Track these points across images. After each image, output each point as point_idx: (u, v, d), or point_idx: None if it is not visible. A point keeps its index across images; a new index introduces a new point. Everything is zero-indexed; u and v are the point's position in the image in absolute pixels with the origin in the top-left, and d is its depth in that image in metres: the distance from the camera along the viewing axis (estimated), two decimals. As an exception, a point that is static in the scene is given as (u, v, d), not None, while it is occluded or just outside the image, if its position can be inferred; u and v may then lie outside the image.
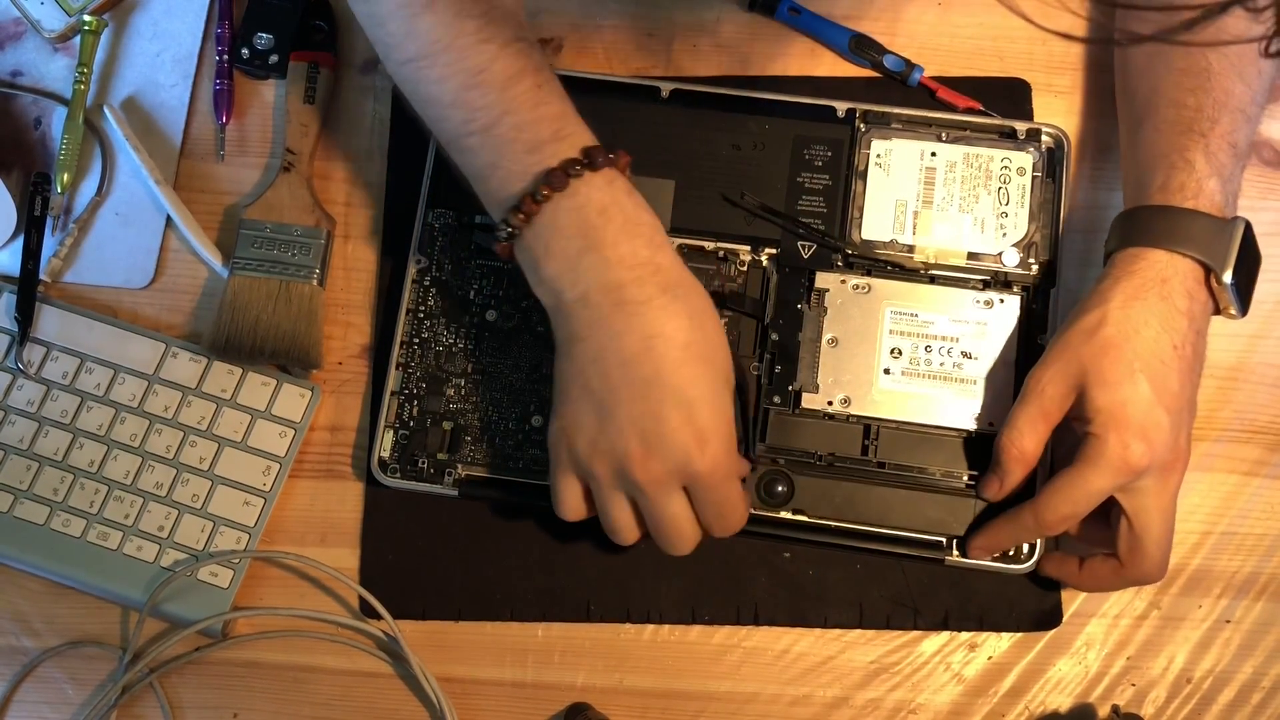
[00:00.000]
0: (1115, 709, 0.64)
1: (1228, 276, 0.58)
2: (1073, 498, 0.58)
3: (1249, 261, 0.59)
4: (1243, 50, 0.60)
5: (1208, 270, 0.58)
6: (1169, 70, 0.62)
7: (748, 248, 0.67)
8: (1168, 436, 0.57)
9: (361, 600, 0.66)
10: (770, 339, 0.65)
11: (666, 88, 0.68)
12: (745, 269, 0.67)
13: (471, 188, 0.58)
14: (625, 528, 0.58)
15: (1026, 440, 0.59)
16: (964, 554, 0.63)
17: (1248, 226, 0.59)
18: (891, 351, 0.65)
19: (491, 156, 0.56)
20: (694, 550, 0.58)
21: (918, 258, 0.66)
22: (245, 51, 0.71)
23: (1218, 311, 0.60)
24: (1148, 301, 0.57)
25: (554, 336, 0.57)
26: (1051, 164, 0.67)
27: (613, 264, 0.55)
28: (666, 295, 0.55)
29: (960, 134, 0.67)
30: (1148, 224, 0.59)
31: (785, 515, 0.64)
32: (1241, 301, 0.59)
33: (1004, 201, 0.66)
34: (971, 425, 0.64)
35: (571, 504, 0.58)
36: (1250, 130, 0.61)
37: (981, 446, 0.64)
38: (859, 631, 0.65)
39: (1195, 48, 0.61)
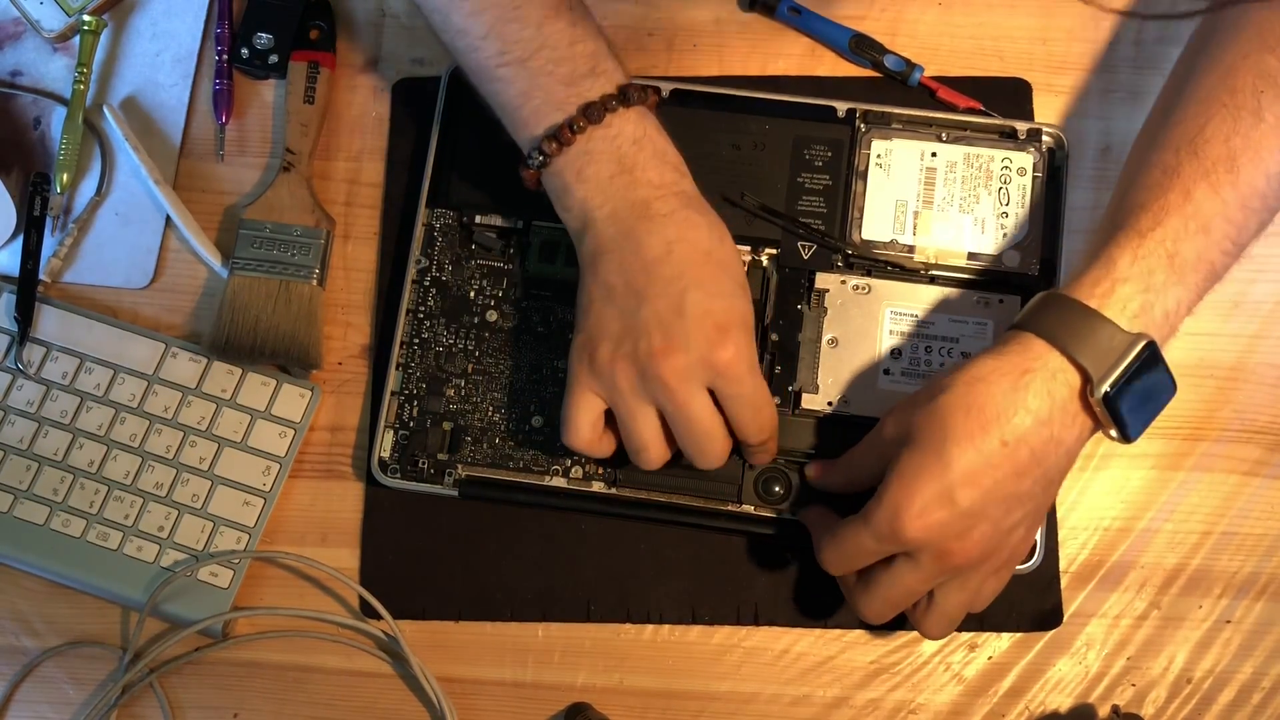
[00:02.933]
0: (1115, 709, 0.64)
1: (1103, 389, 0.52)
2: (843, 548, 0.56)
3: (1145, 386, 0.53)
4: (1231, 160, 0.54)
5: (1086, 378, 0.52)
6: (1142, 160, 0.57)
7: (748, 248, 0.67)
8: (952, 524, 0.53)
9: (361, 600, 0.66)
10: (770, 339, 0.65)
11: (666, 88, 0.68)
12: (745, 269, 0.66)
13: (496, 115, 0.60)
14: (652, 440, 0.57)
15: (833, 476, 0.62)
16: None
17: (1152, 351, 0.53)
18: (891, 351, 0.65)
19: (525, 87, 0.58)
20: (720, 462, 0.58)
21: (918, 258, 0.66)
22: (245, 51, 0.71)
23: (1096, 429, 0.54)
24: (996, 386, 0.53)
25: (580, 261, 0.59)
26: (1051, 164, 0.67)
27: (641, 185, 0.57)
28: (689, 209, 0.58)
29: (960, 134, 0.67)
30: (1041, 309, 0.54)
31: (785, 515, 0.64)
32: (1122, 425, 0.53)
33: (1004, 202, 0.66)
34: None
35: (583, 425, 0.58)
36: (1207, 248, 0.54)
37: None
38: (859, 631, 0.65)
39: (1171, 148, 0.55)
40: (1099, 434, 0.55)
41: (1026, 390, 0.53)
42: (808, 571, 0.65)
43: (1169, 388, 0.55)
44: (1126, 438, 0.54)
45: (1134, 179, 0.57)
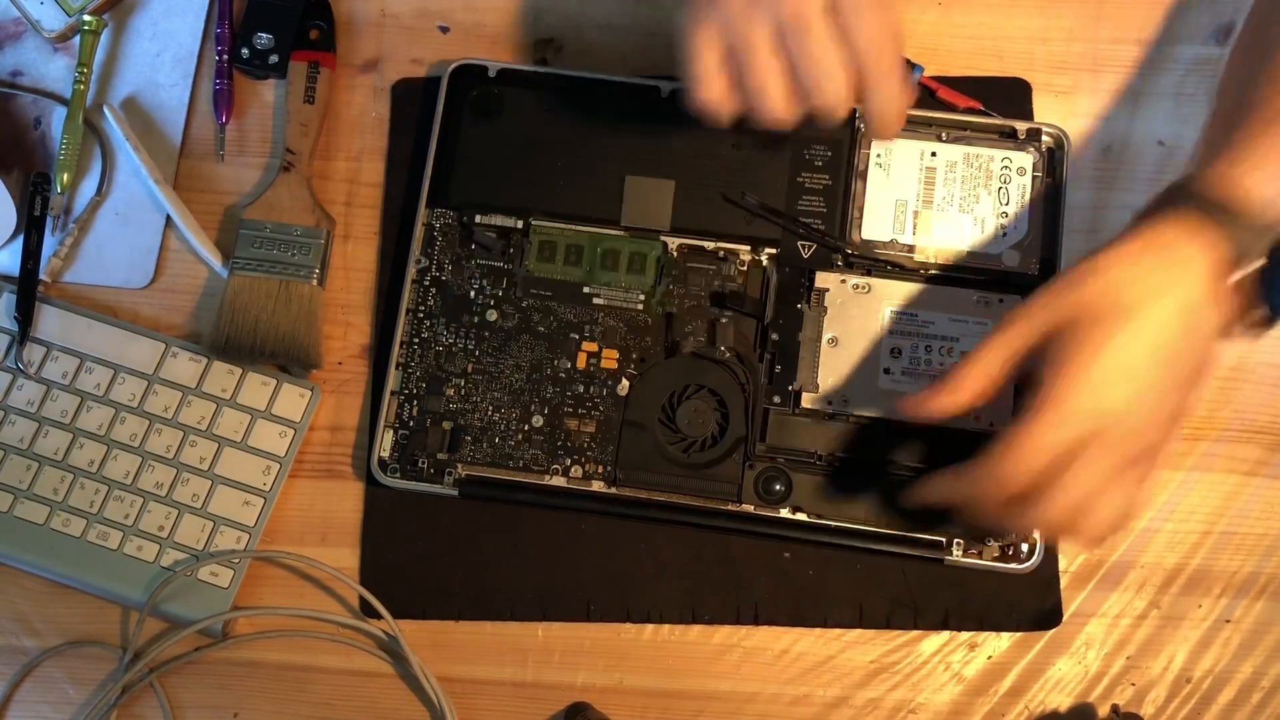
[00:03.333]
0: (1115, 709, 0.64)
1: (1257, 264, 0.53)
2: (1019, 451, 0.53)
3: None
4: None
5: (1234, 256, 0.53)
6: (1246, 69, 0.58)
7: (748, 248, 0.67)
8: (1130, 401, 0.51)
9: (362, 600, 0.66)
10: (770, 339, 0.65)
11: (666, 88, 0.68)
12: (745, 269, 0.67)
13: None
14: (772, 76, 0.54)
15: (982, 362, 0.55)
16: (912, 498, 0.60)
17: None
18: (891, 351, 0.65)
19: None
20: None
21: (918, 258, 0.66)
22: (245, 51, 0.71)
23: (1243, 313, 0.54)
24: (1146, 265, 0.52)
25: None
26: (1051, 164, 0.67)
27: None
28: None
29: (960, 134, 0.67)
30: (1178, 194, 0.54)
31: (785, 515, 0.64)
32: (1274, 300, 0.54)
33: (1004, 201, 0.66)
34: (971, 425, 0.64)
35: (711, 67, 0.55)
36: None
37: (981, 446, 0.64)
38: (859, 631, 0.65)
39: None
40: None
41: (1178, 266, 0.52)
42: (808, 571, 0.65)
43: None
44: (1274, 315, 0.54)
45: (1243, 81, 0.57)
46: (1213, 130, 0.57)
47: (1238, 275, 0.53)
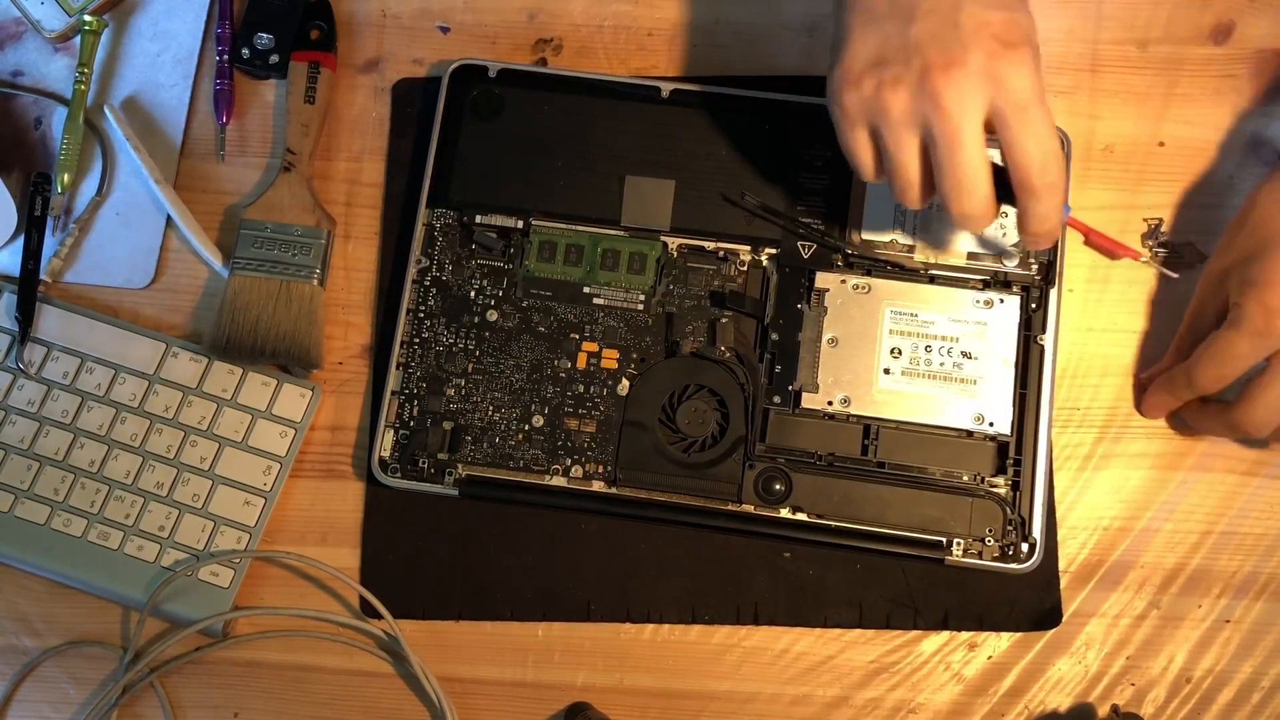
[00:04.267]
0: (1115, 709, 0.64)
1: None
2: (1218, 359, 0.59)
3: None
4: None
5: None
6: None
7: (748, 248, 0.67)
8: None
9: (362, 600, 0.66)
10: (770, 339, 0.65)
11: (666, 88, 0.68)
12: (745, 269, 0.67)
13: None
14: (917, 176, 0.54)
15: (1170, 359, 0.64)
16: (1139, 410, 0.67)
17: None
18: (891, 351, 0.65)
19: None
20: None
21: (918, 258, 0.66)
22: (245, 51, 0.71)
23: None
24: None
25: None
26: (1051, 164, 0.67)
27: None
28: None
29: (960, 134, 0.67)
30: None
31: (785, 515, 0.64)
32: None
33: (1004, 201, 0.66)
34: (971, 425, 0.64)
35: (869, 159, 0.56)
36: None
37: (981, 446, 0.64)
38: (859, 631, 0.65)
39: None
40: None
41: None
42: (808, 571, 0.65)
43: None
44: None
45: None
46: None
47: None
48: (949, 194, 0.54)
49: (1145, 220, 0.69)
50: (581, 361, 0.66)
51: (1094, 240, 0.68)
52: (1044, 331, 0.65)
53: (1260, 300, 0.57)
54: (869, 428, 0.64)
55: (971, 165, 0.53)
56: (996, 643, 0.65)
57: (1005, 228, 0.66)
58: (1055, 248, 0.65)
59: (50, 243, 0.70)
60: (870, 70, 0.53)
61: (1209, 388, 0.61)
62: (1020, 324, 0.65)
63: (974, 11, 0.52)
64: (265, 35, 0.71)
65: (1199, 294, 0.64)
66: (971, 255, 0.66)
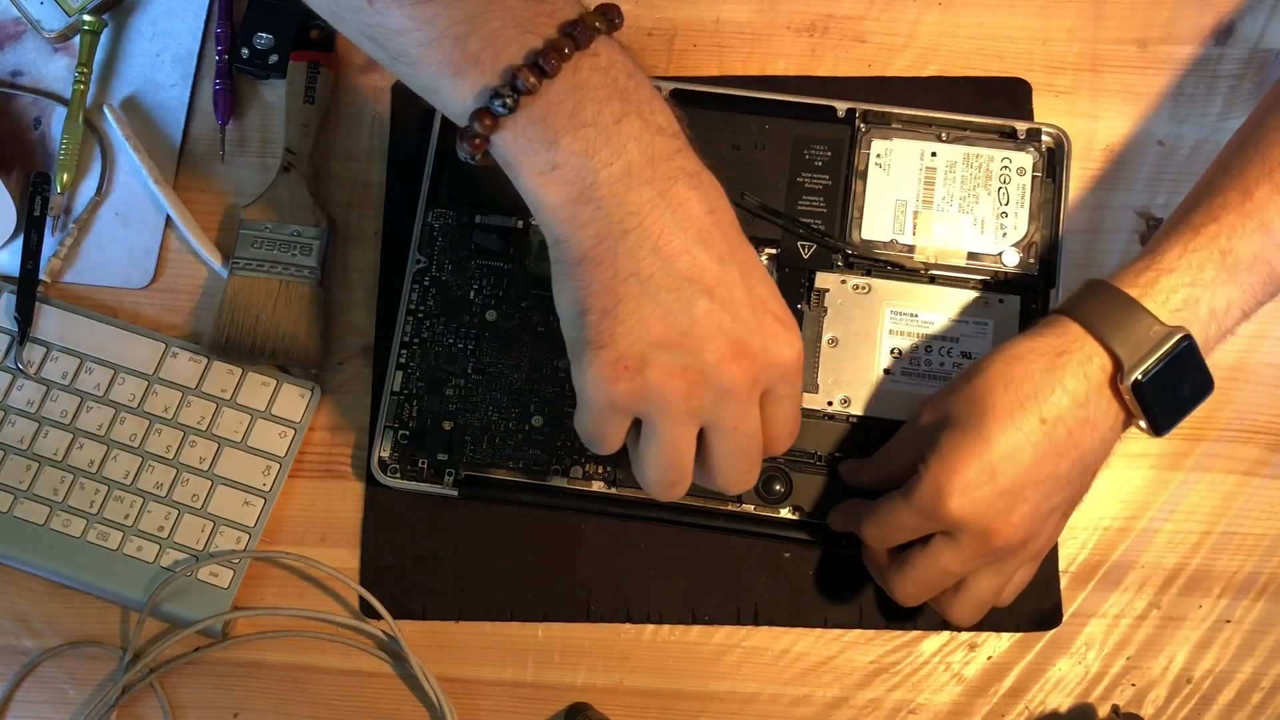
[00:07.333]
0: (1115, 709, 0.64)
1: (1132, 378, 0.52)
2: (883, 523, 0.56)
3: (1178, 381, 0.53)
4: None
5: (1118, 365, 0.52)
6: (1216, 162, 0.57)
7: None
8: (994, 501, 0.52)
9: (361, 600, 0.66)
10: (770, 339, 0.65)
11: (666, 88, 0.68)
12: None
13: (414, 75, 0.47)
14: (689, 471, 0.50)
15: (868, 473, 0.61)
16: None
17: (1189, 345, 0.52)
18: (891, 351, 0.65)
19: (472, 9, 0.44)
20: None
21: (918, 258, 0.66)
22: (245, 51, 0.71)
23: (1130, 420, 0.55)
24: (1033, 364, 0.53)
25: (568, 251, 0.47)
26: (1051, 164, 0.67)
27: (654, 131, 0.46)
28: (704, 165, 0.48)
29: (960, 134, 0.67)
30: (1083, 294, 0.55)
31: (785, 515, 0.64)
32: (1153, 417, 0.53)
33: (1004, 201, 0.66)
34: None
35: (616, 440, 0.50)
36: (1265, 248, 0.53)
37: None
38: (859, 631, 0.65)
39: (1238, 150, 0.55)
40: (1133, 428, 0.55)
41: (1063, 370, 0.53)
42: (808, 572, 0.65)
43: (1205, 386, 0.54)
44: (1157, 430, 0.54)
45: (1200, 182, 0.57)
46: (1161, 228, 0.57)
47: (1127, 382, 0.53)
48: (727, 480, 0.51)
49: (1146, 220, 0.69)
50: (581, 361, 0.66)
51: None
52: (1044, 331, 0.65)
53: (934, 479, 0.53)
54: (869, 428, 0.64)
55: (755, 448, 0.51)
56: (997, 643, 0.65)
57: (1005, 227, 0.66)
58: (1056, 247, 0.66)
59: (50, 243, 0.70)
60: (653, 354, 0.46)
61: (872, 544, 0.58)
62: (1020, 324, 0.65)
63: (753, 286, 0.48)
64: (265, 35, 0.71)
65: (910, 421, 0.59)
66: (971, 255, 0.66)
